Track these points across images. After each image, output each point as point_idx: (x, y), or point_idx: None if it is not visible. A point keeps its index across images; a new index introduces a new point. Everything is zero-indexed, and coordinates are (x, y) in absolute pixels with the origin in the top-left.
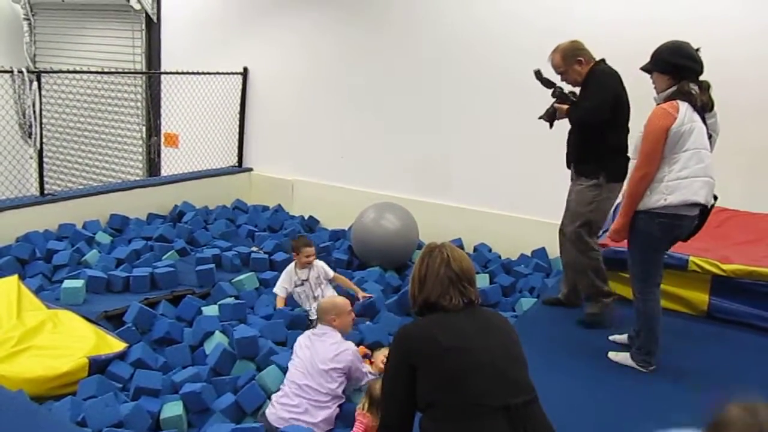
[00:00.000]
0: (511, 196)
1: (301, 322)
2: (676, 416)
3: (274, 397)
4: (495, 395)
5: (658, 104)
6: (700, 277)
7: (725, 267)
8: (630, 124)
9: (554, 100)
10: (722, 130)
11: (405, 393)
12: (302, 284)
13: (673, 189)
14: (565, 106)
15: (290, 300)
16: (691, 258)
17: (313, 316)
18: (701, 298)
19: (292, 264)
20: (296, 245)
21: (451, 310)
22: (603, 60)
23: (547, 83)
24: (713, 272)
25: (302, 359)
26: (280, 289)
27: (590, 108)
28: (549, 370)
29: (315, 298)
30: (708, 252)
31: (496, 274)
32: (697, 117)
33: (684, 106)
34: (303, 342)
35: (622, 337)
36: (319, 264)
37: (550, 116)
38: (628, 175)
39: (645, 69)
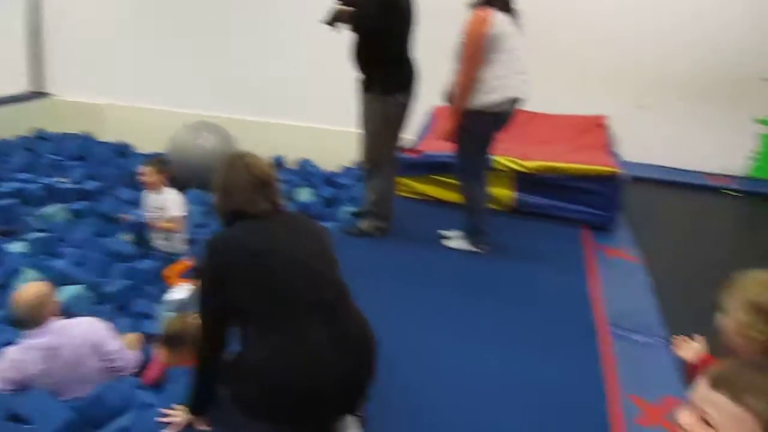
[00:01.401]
0: (329, 110)
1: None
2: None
3: None
4: (307, 291)
5: (472, 9)
6: (505, 175)
7: (526, 164)
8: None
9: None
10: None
11: (219, 304)
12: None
13: (495, 87)
14: (350, 8)
15: None
16: (495, 157)
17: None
18: (507, 194)
19: None
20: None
21: (259, 216)
22: None
23: None
24: (516, 170)
25: None
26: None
27: (356, 13)
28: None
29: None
30: (510, 151)
31: (318, 186)
32: (508, 20)
33: (496, 12)
34: None
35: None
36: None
37: (334, 18)
38: (457, 81)
39: None
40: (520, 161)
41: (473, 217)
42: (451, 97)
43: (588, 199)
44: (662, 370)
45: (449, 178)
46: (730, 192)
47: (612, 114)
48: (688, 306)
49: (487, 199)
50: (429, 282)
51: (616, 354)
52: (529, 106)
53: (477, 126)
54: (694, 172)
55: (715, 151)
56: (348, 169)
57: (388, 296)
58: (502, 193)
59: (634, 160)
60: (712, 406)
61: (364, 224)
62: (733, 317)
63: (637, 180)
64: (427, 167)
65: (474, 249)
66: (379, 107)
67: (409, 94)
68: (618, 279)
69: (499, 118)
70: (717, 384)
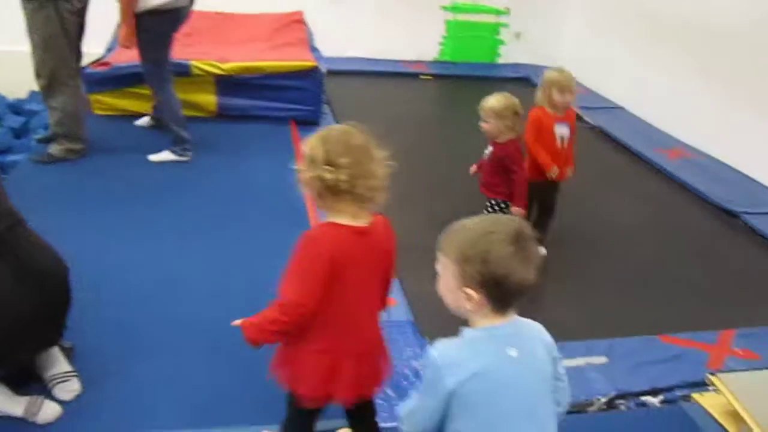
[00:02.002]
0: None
1: None
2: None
3: None
4: None
5: None
6: (204, 80)
7: (224, 66)
8: None
9: None
10: None
11: None
12: None
13: None
14: None
15: None
16: (193, 62)
17: None
18: (209, 99)
19: None
20: None
21: None
22: None
23: None
24: (215, 73)
25: None
26: None
27: None
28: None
29: None
30: (208, 55)
31: (2, 117)
32: None
33: None
34: None
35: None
36: None
37: None
38: None
39: None
40: (218, 64)
41: (173, 124)
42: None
43: (291, 96)
44: None
45: (144, 89)
46: (425, 77)
47: (307, 9)
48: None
49: (179, 103)
50: (134, 199)
51: None
52: (224, 8)
53: (155, 26)
54: (393, 61)
55: (410, 39)
56: (36, 93)
57: (89, 220)
58: (204, 98)
59: (335, 55)
60: (437, 262)
61: (54, 149)
62: None
63: (340, 73)
64: (119, 80)
65: (179, 158)
66: (51, 14)
67: None
68: None
69: (174, 15)
70: (437, 247)
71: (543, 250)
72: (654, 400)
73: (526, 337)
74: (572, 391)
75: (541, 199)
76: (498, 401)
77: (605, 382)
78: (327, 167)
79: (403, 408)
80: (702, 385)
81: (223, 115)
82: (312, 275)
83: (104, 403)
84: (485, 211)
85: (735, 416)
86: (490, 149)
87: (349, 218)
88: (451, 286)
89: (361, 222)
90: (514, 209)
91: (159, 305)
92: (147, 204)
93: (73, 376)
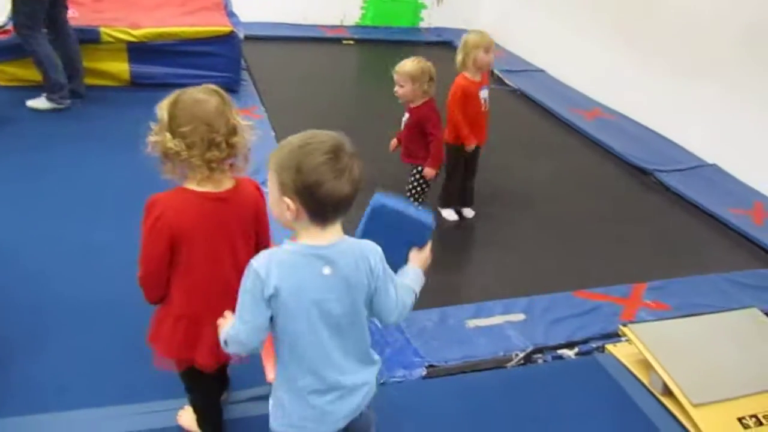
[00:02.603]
0: None
1: None
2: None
3: None
4: None
5: None
6: (115, 47)
7: (136, 33)
8: None
9: None
10: None
11: None
12: None
13: None
14: None
15: None
16: (102, 29)
17: None
18: (121, 67)
19: None
20: None
21: None
22: None
23: None
24: (127, 40)
25: None
26: None
27: None
28: None
29: None
30: (119, 21)
31: None
32: None
33: None
34: None
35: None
36: None
37: None
38: None
39: None
40: (130, 30)
41: (48, 73)
42: None
43: (207, 62)
44: None
45: None
46: (347, 42)
47: None
48: None
49: (53, 51)
50: (39, 172)
51: None
52: None
53: None
54: (314, 26)
55: (331, 4)
56: None
57: None
58: (115, 66)
59: (254, 20)
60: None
61: None
62: None
63: (259, 39)
64: (21, 49)
65: (57, 106)
66: None
67: None
68: None
69: None
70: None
71: (471, 213)
72: (570, 353)
73: (348, 255)
74: (491, 348)
75: (465, 163)
76: (305, 313)
77: (523, 339)
78: (168, 134)
79: (224, 333)
80: (615, 337)
81: (136, 83)
82: (149, 238)
83: (13, 385)
84: (411, 179)
85: (645, 364)
86: (407, 116)
87: (208, 185)
88: (274, 197)
89: (218, 187)
90: (426, 170)
91: (63, 282)
92: (56, 177)
93: None
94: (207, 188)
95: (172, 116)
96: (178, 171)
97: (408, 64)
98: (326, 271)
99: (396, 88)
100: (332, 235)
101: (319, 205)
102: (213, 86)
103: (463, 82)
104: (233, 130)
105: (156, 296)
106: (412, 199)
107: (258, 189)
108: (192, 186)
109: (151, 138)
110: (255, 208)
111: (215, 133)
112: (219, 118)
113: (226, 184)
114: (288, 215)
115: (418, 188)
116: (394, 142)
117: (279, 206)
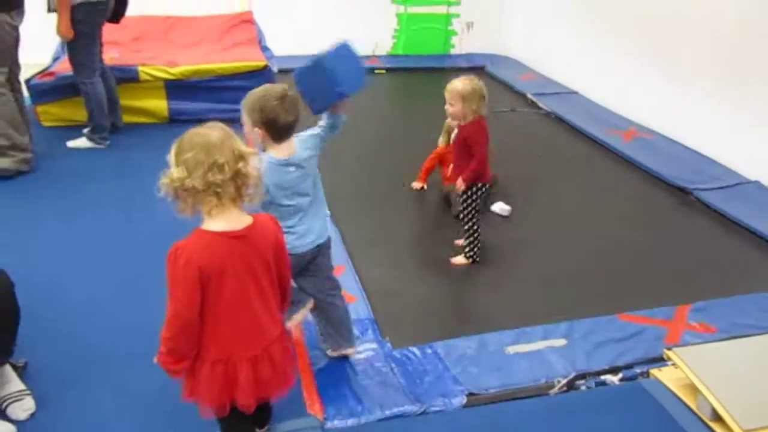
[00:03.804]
0: None
1: None
2: None
3: None
4: None
5: None
6: (153, 85)
7: (173, 70)
8: None
9: None
10: None
11: None
12: None
13: None
14: None
15: None
16: (140, 68)
17: None
18: (160, 104)
19: None
20: None
21: None
22: None
23: None
24: (164, 78)
25: None
26: None
27: None
28: None
29: None
30: (156, 59)
31: None
32: None
33: None
34: None
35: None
36: None
37: None
38: None
39: None
40: (167, 68)
41: (96, 112)
42: None
43: (243, 97)
44: None
45: None
46: (379, 71)
47: (257, 9)
48: (343, 175)
49: (105, 95)
50: (83, 210)
51: None
52: (172, 11)
53: (87, 17)
54: None
55: (363, 34)
56: None
57: (35, 232)
58: (154, 104)
59: (287, 53)
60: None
61: (4, 163)
62: None
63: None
64: (64, 90)
65: (96, 146)
66: None
67: (22, 13)
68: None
69: (99, 8)
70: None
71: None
72: (614, 379)
73: (302, 158)
74: (532, 374)
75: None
76: (285, 198)
77: (565, 364)
78: (175, 168)
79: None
80: (660, 361)
81: (174, 119)
82: (182, 285)
83: (59, 420)
84: (464, 200)
85: (692, 389)
86: (455, 132)
87: (223, 222)
88: (248, 129)
89: (236, 225)
90: (458, 181)
91: (108, 314)
92: (97, 215)
93: (27, 394)
94: (225, 227)
95: (176, 152)
96: (191, 206)
97: (459, 84)
98: (291, 169)
99: (447, 107)
100: (289, 148)
101: (278, 131)
102: (218, 123)
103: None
104: (240, 157)
105: (191, 354)
106: (465, 219)
107: (276, 223)
108: (210, 226)
109: (162, 180)
110: (275, 242)
111: (217, 155)
112: (221, 146)
113: (244, 220)
114: (259, 139)
115: (471, 208)
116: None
117: (252, 134)
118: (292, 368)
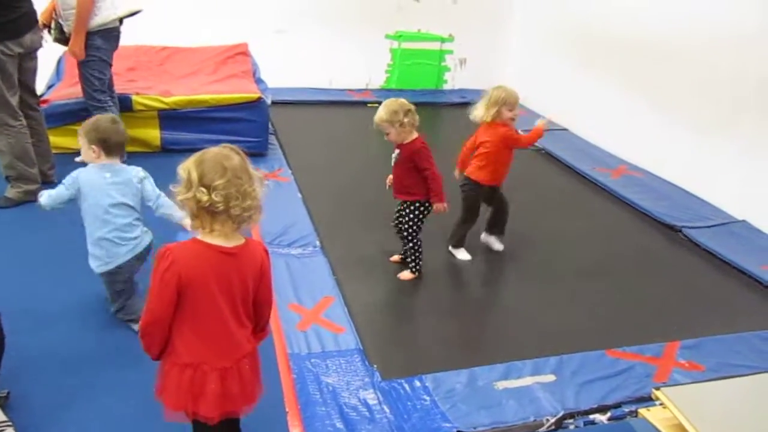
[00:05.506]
0: None
1: None
2: None
3: None
4: None
5: None
6: (147, 114)
7: (167, 100)
8: None
9: None
10: None
11: None
12: None
13: (116, 4)
14: None
15: None
16: (134, 97)
17: None
18: (152, 134)
19: None
20: None
21: None
22: None
23: None
24: (158, 107)
25: None
26: None
27: None
28: None
29: None
30: (150, 89)
31: None
32: None
33: None
34: None
35: None
36: None
37: None
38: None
39: None
40: (161, 98)
41: None
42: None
43: (236, 128)
44: (318, 275)
45: None
46: (372, 104)
47: (252, 41)
48: (333, 207)
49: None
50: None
51: (276, 269)
52: (169, 41)
53: (103, 44)
54: (339, 90)
55: (356, 68)
56: None
57: (32, 262)
58: (147, 133)
59: (281, 85)
60: None
61: (10, 192)
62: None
63: (287, 103)
64: (59, 117)
65: None
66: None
67: (24, 42)
68: (273, 201)
69: (113, 34)
70: None
71: (500, 245)
72: (602, 418)
73: (121, 169)
74: (521, 412)
75: (487, 200)
76: (90, 199)
77: (554, 402)
78: (202, 189)
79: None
80: (649, 400)
81: (167, 149)
82: (159, 285)
83: None
84: (407, 216)
85: (681, 429)
86: (396, 152)
87: (220, 238)
88: (84, 148)
89: (229, 243)
90: (436, 206)
91: (91, 344)
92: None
93: (8, 426)
94: (218, 241)
95: (201, 174)
96: (209, 224)
97: (380, 113)
98: (107, 174)
99: (385, 137)
100: (116, 162)
101: (109, 148)
102: (230, 145)
103: (508, 130)
104: (255, 182)
105: (157, 346)
106: (409, 236)
107: (265, 251)
108: (206, 238)
109: (180, 197)
110: (260, 267)
111: (246, 184)
112: (245, 170)
113: (237, 240)
114: (93, 155)
115: (416, 225)
116: (390, 178)
117: (87, 152)
118: (259, 387)
